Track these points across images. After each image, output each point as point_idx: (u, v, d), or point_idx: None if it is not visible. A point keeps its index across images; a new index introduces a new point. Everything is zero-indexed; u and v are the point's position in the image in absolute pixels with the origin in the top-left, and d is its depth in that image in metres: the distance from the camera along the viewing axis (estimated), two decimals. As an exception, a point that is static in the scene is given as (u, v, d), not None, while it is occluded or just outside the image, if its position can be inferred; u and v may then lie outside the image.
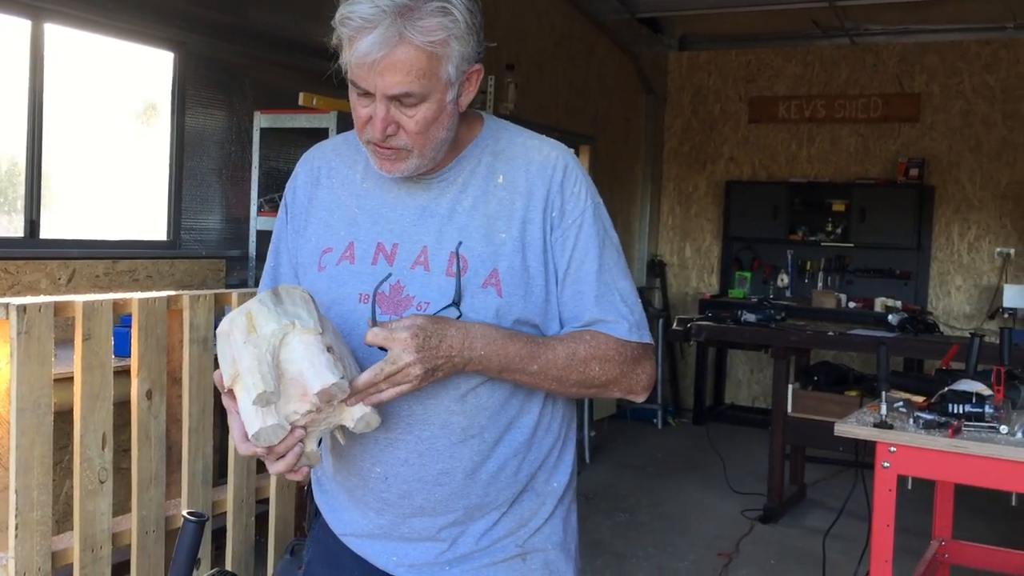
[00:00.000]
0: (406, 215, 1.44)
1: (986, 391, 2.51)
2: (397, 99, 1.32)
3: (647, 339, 1.48)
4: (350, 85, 1.35)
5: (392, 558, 1.48)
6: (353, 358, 1.33)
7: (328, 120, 4.10)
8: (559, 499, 1.52)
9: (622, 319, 1.45)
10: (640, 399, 1.50)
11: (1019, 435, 2.35)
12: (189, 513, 1.32)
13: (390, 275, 1.41)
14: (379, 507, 1.47)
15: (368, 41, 1.28)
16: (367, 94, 1.33)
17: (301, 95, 4.04)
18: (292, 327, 1.24)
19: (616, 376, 1.44)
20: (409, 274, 1.41)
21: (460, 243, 1.40)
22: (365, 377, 1.27)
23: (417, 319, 1.30)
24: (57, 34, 3.60)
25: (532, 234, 1.41)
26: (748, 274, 7.72)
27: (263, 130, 4.31)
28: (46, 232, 3.60)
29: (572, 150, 1.51)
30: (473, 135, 1.46)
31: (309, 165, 1.57)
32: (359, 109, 1.36)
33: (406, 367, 1.28)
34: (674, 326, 5.73)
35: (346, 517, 1.52)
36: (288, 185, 1.60)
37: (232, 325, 1.28)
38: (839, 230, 7.35)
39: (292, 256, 1.56)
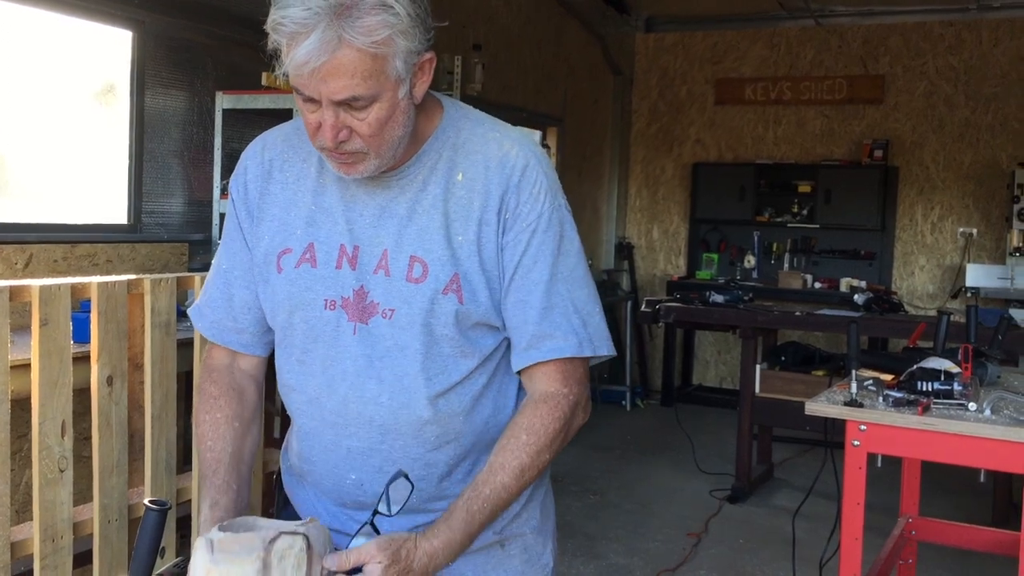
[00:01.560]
0: (365, 215, 1.37)
1: (954, 369, 2.52)
2: (345, 103, 1.23)
3: (605, 351, 1.40)
4: (294, 90, 1.26)
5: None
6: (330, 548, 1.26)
7: (292, 100, 4.02)
8: (536, 484, 1.49)
9: (571, 334, 1.37)
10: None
11: (987, 412, 2.36)
12: (151, 501, 1.27)
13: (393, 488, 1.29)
14: (355, 507, 1.44)
15: (305, 48, 1.18)
16: (313, 100, 1.24)
17: (264, 75, 3.96)
18: None
19: (564, 438, 1.39)
20: (372, 279, 1.35)
21: (417, 252, 1.34)
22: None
23: (380, 563, 1.21)
24: (9, 11, 3.49)
25: (487, 236, 1.34)
26: (715, 256, 7.75)
27: (225, 111, 4.22)
28: (1, 216, 3.51)
29: (537, 142, 1.43)
30: (433, 126, 1.37)
31: (259, 158, 1.46)
32: (307, 115, 1.27)
33: None
34: (642, 308, 5.73)
35: (319, 510, 1.49)
36: (235, 179, 1.48)
37: None
38: (805, 211, 7.40)
39: (246, 260, 1.46)
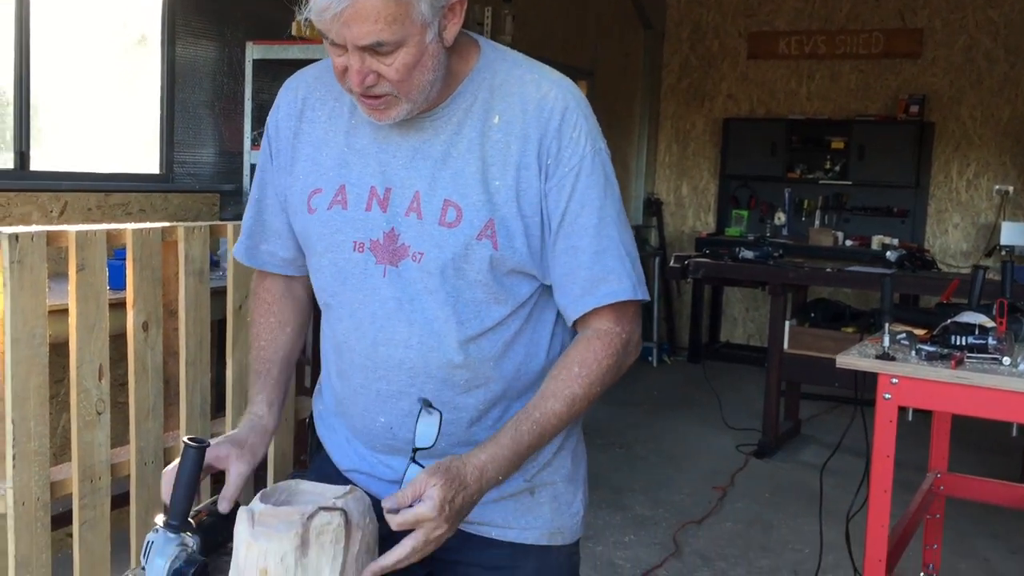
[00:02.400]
0: (398, 157, 1.34)
1: (989, 323, 2.50)
2: (370, 49, 1.20)
3: (645, 295, 1.39)
4: (320, 33, 1.23)
5: (389, 471, 1.46)
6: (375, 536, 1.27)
7: (322, 51, 4.00)
8: (567, 433, 1.49)
9: (625, 276, 1.35)
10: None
11: (1021, 367, 2.34)
12: (190, 439, 1.29)
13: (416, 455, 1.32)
14: (386, 450, 1.44)
15: None
16: (339, 44, 1.22)
17: (294, 24, 3.95)
18: None
19: (616, 373, 1.39)
20: (404, 221, 1.33)
21: (452, 195, 1.32)
22: (393, 558, 1.22)
23: (435, 485, 1.20)
24: (42, -41, 3.50)
25: (527, 181, 1.31)
26: (745, 213, 7.68)
27: (255, 61, 4.22)
28: (36, 164, 3.55)
29: (575, 85, 1.38)
30: (469, 67, 1.34)
31: (292, 95, 1.45)
32: (334, 58, 1.24)
33: (438, 539, 1.23)
34: (671, 263, 5.70)
35: (351, 454, 1.50)
36: (270, 118, 1.48)
37: (243, 573, 1.19)
38: (837, 168, 7.30)
39: (279, 195, 1.47)
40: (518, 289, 1.37)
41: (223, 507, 1.34)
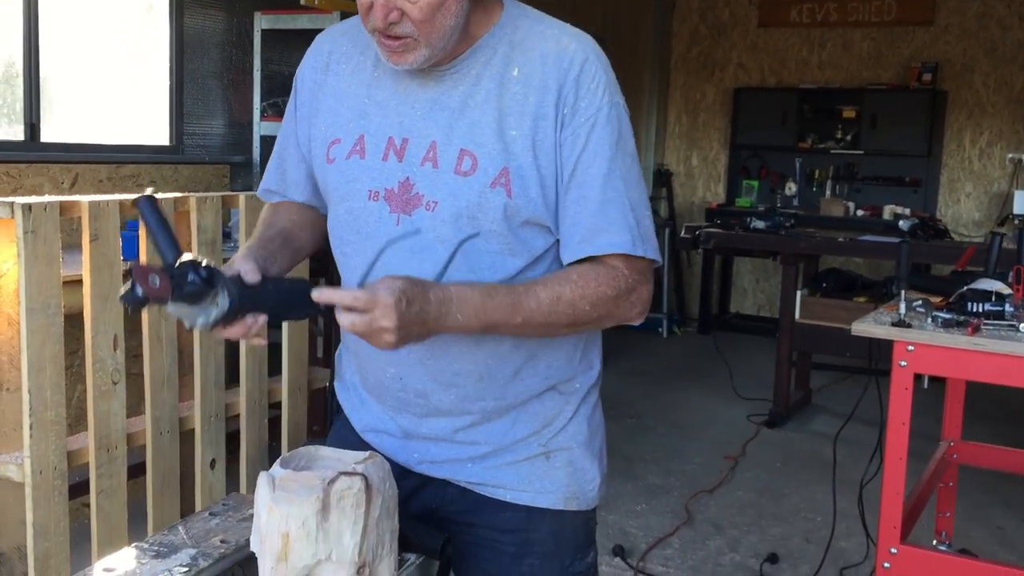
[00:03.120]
0: (417, 108, 1.36)
1: (1005, 290, 2.48)
2: None
3: (652, 254, 1.37)
4: None
5: (413, 455, 1.47)
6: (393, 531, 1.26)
7: (331, 20, 3.98)
8: (583, 398, 1.49)
9: (627, 230, 1.33)
10: (636, 323, 1.41)
11: (1038, 333, 2.33)
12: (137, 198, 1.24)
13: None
14: (397, 406, 1.45)
15: None
16: None
17: (303, -7, 3.92)
18: (328, 560, 1.17)
19: (609, 310, 1.34)
20: (419, 171, 1.34)
21: (469, 140, 1.32)
22: (336, 295, 1.20)
23: (397, 282, 1.19)
24: (49, -71, 3.47)
25: (544, 131, 1.32)
26: (755, 183, 7.64)
27: (264, 31, 4.20)
28: (47, 136, 3.54)
29: (595, 41, 1.38)
30: (491, 22, 1.35)
31: (319, 48, 1.49)
32: None
33: (380, 331, 1.18)
34: (682, 234, 5.69)
35: (367, 415, 1.51)
36: (298, 71, 1.52)
37: (265, 538, 1.18)
38: (849, 137, 7.25)
39: (302, 145, 1.50)
40: (533, 241, 1.37)
41: (250, 278, 1.26)
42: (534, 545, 1.46)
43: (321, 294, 1.21)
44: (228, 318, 1.21)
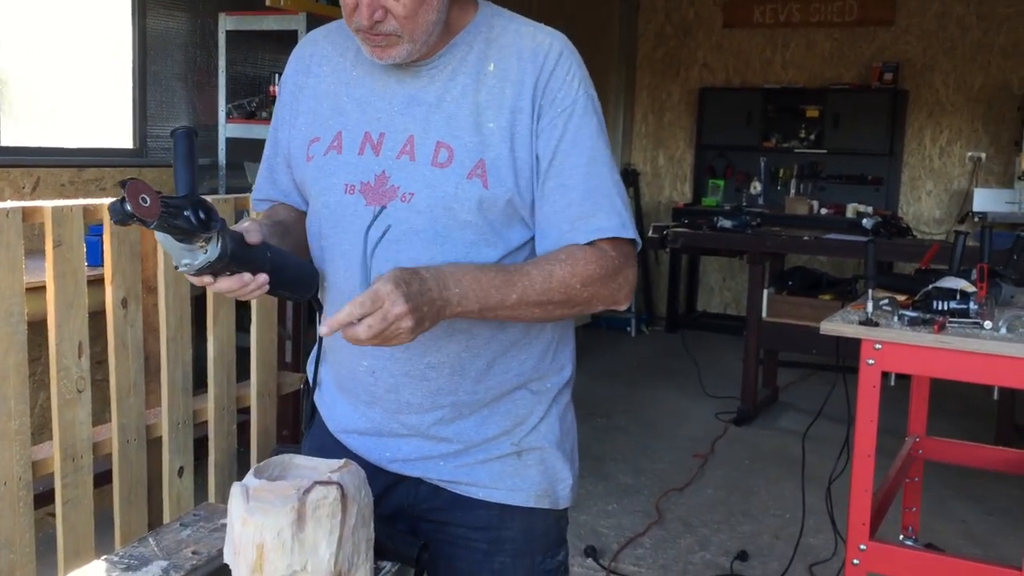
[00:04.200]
0: (394, 103, 1.39)
1: (970, 288, 2.52)
2: None
3: (634, 235, 1.39)
4: None
5: (385, 454, 1.47)
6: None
7: (297, 22, 3.95)
8: (554, 398, 1.50)
9: (615, 214, 1.36)
10: (623, 307, 1.42)
11: (1003, 330, 2.36)
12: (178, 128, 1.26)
13: (381, 210, 1.33)
14: (369, 400, 1.45)
15: None
16: None
17: (268, -6, 3.89)
18: (303, 571, 1.16)
19: (598, 290, 1.35)
20: (395, 164, 1.36)
21: (446, 133, 1.35)
22: (340, 316, 1.17)
23: (388, 274, 1.19)
24: (7, -72, 3.41)
25: (522, 123, 1.34)
26: (721, 182, 7.69)
27: (229, 33, 4.15)
28: (7, 140, 3.48)
29: (568, 39, 1.42)
30: (466, 21, 1.39)
31: (300, 53, 1.52)
32: None
33: (396, 320, 1.17)
34: (650, 233, 5.71)
35: (340, 413, 1.52)
36: (281, 78, 1.57)
37: (239, 549, 1.17)
38: (812, 136, 7.32)
39: (282, 149, 1.53)
40: (510, 234, 1.38)
41: (252, 238, 1.27)
42: (505, 543, 1.47)
43: (327, 326, 1.19)
44: (215, 268, 1.21)
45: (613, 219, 1.36)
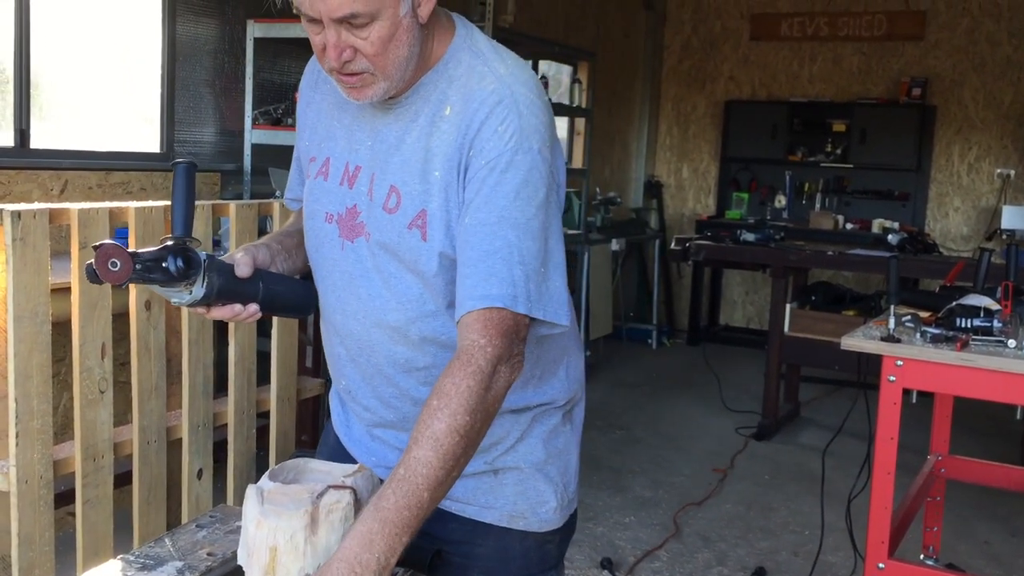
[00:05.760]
0: (367, 137, 1.39)
1: (994, 306, 2.49)
2: (346, 21, 1.21)
3: (546, 315, 1.27)
4: (297, 12, 1.25)
5: (372, 457, 1.50)
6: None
7: (324, 29, 3.98)
8: (534, 419, 1.46)
9: (508, 284, 1.23)
10: (514, 380, 1.27)
11: (1026, 349, 2.33)
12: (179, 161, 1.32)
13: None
14: (356, 413, 1.51)
15: None
16: (316, 20, 1.23)
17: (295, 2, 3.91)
18: (315, 575, 1.16)
19: (484, 399, 1.22)
20: (364, 200, 1.37)
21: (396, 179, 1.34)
22: None
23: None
24: (42, -65, 3.46)
25: (451, 173, 1.30)
26: (745, 195, 7.67)
27: (257, 40, 4.19)
28: (37, 142, 3.52)
29: (532, 80, 1.34)
30: (440, 53, 1.34)
31: (312, 67, 1.52)
32: (313, 37, 1.26)
33: None
34: (672, 246, 5.70)
35: (340, 418, 1.58)
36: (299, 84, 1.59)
37: (253, 551, 1.17)
38: (839, 151, 7.29)
39: (301, 155, 1.56)
40: (451, 284, 1.32)
41: (242, 272, 1.33)
42: (477, 560, 1.46)
43: None
44: (204, 304, 1.29)
45: (505, 288, 1.23)
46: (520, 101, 1.29)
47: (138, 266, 1.19)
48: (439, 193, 1.30)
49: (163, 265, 1.21)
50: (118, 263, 1.17)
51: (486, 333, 1.23)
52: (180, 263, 1.22)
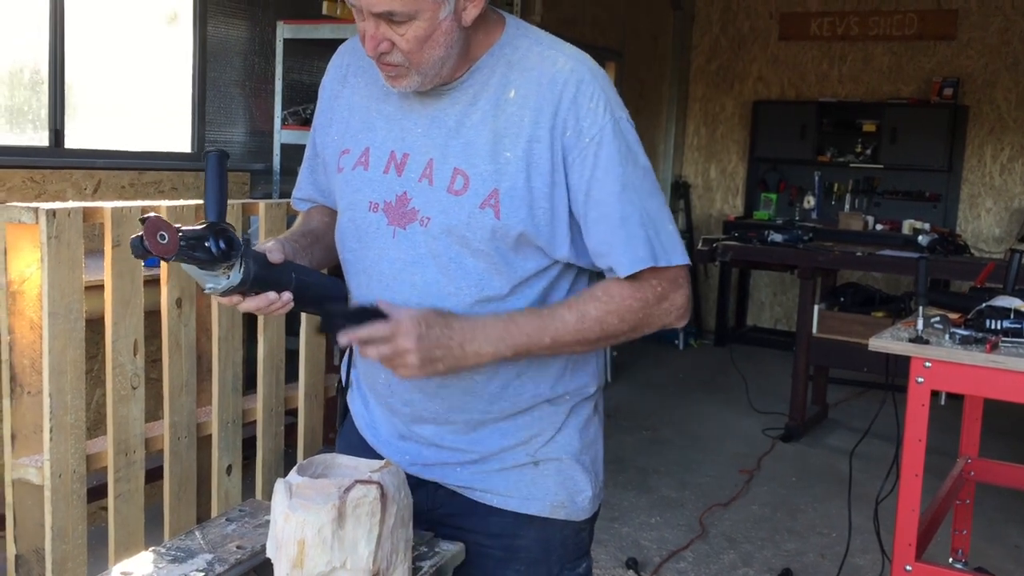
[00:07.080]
0: (418, 124, 1.39)
1: (1024, 307, 2.47)
2: (384, 16, 1.25)
3: (678, 260, 1.37)
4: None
5: (405, 456, 1.50)
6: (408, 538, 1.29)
7: (353, 31, 4.00)
8: (572, 410, 1.49)
9: (645, 243, 1.35)
10: (680, 326, 1.43)
11: (1057, 351, 2.31)
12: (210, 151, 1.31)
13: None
14: (388, 408, 1.50)
15: None
16: (360, 10, 1.28)
17: (325, 4, 3.95)
18: (342, 568, 1.19)
19: (641, 319, 1.37)
20: (416, 186, 1.38)
21: (462, 159, 1.36)
22: (360, 332, 1.27)
23: (420, 310, 1.29)
24: (76, -62, 3.51)
25: (539, 154, 1.33)
26: (774, 196, 7.62)
27: (286, 41, 4.23)
28: (71, 142, 3.58)
29: (592, 60, 1.39)
30: (491, 42, 1.37)
31: (339, 61, 1.54)
32: (357, 23, 1.31)
33: (402, 353, 1.27)
34: (699, 246, 5.68)
35: (367, 416, 1.57)
36: (321, 81, 1.57)
37: (281, 544, 1.20)
38: (868, 151, 7.23)
39: (319, 153, 1.56)
40: (522, 264, 1.38)
41: (275, 257, 1.31)
42: (520, 551, 1.48)
43: (346, 336, 1.28)
44: (240, 290, 1.26)
45: (645, 249, 1.35)
46: (598, 76, 1.37)
47: (182, 243, 1.17)
48: (515, 173, 1.33)
49: (205, 244, 1.20)
50: (166, 236, 1.15)
51: (657, 276, 1.37)
52: (222, 244, 1.20)
